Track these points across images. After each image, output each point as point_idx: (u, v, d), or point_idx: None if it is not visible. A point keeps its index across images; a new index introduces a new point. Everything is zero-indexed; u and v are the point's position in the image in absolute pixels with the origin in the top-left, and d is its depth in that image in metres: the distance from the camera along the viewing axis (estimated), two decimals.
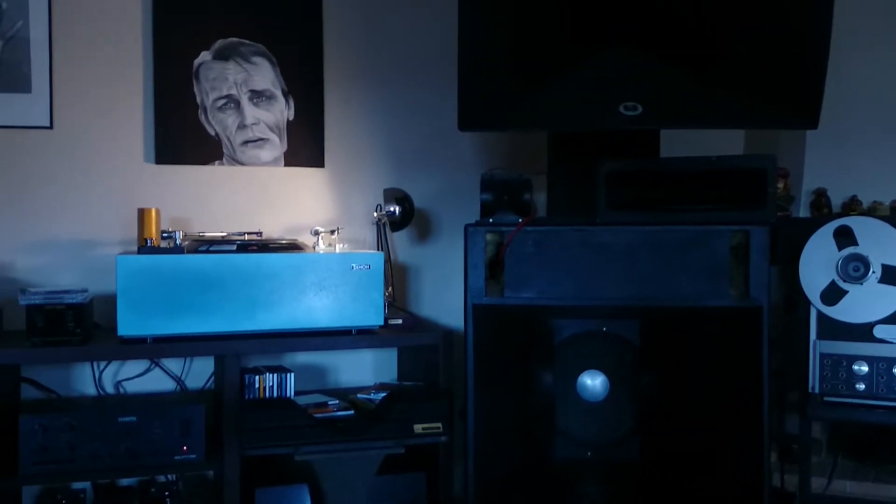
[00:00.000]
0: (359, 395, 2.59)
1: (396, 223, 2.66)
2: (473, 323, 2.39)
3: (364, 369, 2.99)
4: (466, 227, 2.40)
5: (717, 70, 2.30)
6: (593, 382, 2.48)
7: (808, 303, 2.40)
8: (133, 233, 2.65)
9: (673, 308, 2.37)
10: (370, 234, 2.95)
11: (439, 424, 2.30)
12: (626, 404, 2.49)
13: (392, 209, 2.65)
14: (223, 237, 2.52)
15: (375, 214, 2.74)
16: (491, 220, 2.40)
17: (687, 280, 2.36)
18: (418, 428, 2.29)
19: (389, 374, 2.99)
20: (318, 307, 2.41)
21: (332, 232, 2.58)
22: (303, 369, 2.80)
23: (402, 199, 2.66)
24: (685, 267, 2.37)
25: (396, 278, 2.91)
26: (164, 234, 2.43)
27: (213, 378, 2.76)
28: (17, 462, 2.19)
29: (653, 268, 2.38)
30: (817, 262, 2.39)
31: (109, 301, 2.60)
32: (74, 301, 2.24)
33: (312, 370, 2.89)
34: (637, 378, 2.48)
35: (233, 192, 2.84)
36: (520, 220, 2.37)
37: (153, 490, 2.47)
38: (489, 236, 2.40)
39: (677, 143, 2.64)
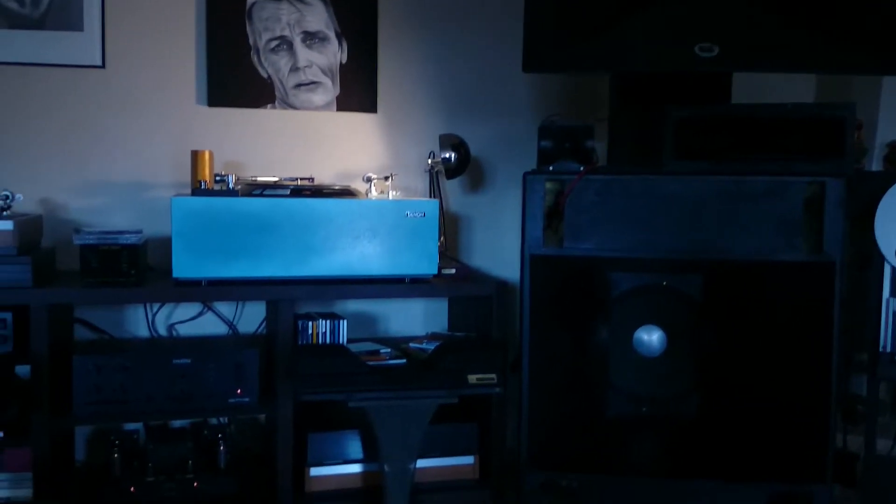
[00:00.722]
0: (411, 345, 2.56)
1: (451, 170, 2.59)
2: (530, 274, 2.32)
3: (414, 319, 2.95)
4: (525, 175, 2.32)
5: (796, 9, 2.17)
6: (650, 337, 2.41)
7: (881, 259, 2.29)
8: (185, 176, 2.62)
9: (740, 262, 2.28)
10: (422, 183, 2.89)
11: (493, 375, 2.25)
12: (685, 361, 2.42)
13: (447, 155, 2.58)
14: (275, 182, 2.47)
15: (429, 161, 2.67)
16: (551, 168, 2.32)
17: (756, 233, 2.27)
18: (472, 378, 2.24)
19: (440, 324, 2.95)
20: (371, 255, 2.37)
21: (386, 178, 2.52)
22: (352, 317, 2.76)
23: (457, 145, 2.58)
24: (755, 219, 2.28)
25: (448, 228, 2.85)
26: (217, 178, 2.40)
27: (265, 323, 2.75)
28: (71, 402, 2.20)
29: (720, 220, 2.29)
30: (894, 218, 2.27)
31: (162, 244, 2.59)
32: (129, 242, 2.22)
33: (362, 318, 2.86)
34: (697, 334, 2.41)
35: (284, 136, 2.79)
36: (581, 168, 2.29)
37: (206, 432, 2.47)
38: (549, 185, 2.33)
39: (743, 91, 2.51)
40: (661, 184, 2.30)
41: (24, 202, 2.38)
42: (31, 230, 2.28)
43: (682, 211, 2.29)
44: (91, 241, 2.20)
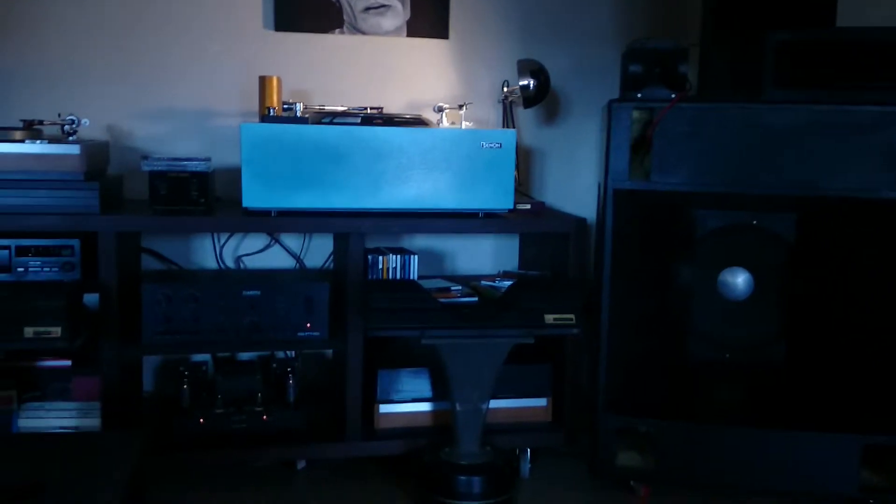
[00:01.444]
0: (482, 283, 2.46)
1: (530, 99, 2.45)
2: (613, 209, 2.19)
3: (483, 256, 2.86)
4: (611, 102, 2.17)
5: None
6: (735, 280, 2.27)
7: None
8: (252, 104, 2.54)
9: (840, 199, 2.12)
10: (494, 114, 2.76)
11: (571, 316, 2.14)
12: (773, 305, 2.28)
13: (526, 83, 2.44)
14: (344, 111, 2.37)
15: (505, 90, 2.53)
16: (640, 95, 2.16)
17: (860, 168, 2.10)
18: (549, 318, 2.14)
19: (509, 262, 2.85)
20: (443, 187, 2.26)
21: (461, 107, 2.40)
22: (419, 254, 2.67)
23: (537, 71, 2.43)
24: (859, 153, 2.11)
25: (520, 162, 2.72)
26: (285, 106, 2.30)
27: (332, 257, 2.69)
28: (140, 332, 2.17)
29: (821, 154, 2.12)
30: None
31: (228, 175, 2.53)
32: (198, 169, 2.15)
33: (429, 255, 2.77)
34: (787, 277, 2.26)
35: (352, 64, 2.68)
36: (673, 96, 2.13)
37: (275, 366, 2.43)
38: (636, 113, 2.18)
39: (849, 13, 2.30)
40: (759, 114, 2.13)
41: (90, 128, 2.33)
42: (97, 156, 2.23)
43: (779, 144, 2.13)
44: (160, 168, 2.14)
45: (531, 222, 2.39)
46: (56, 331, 1.87)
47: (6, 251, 2.10)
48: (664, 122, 2.13)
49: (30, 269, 2.11)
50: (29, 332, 1.87)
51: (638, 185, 2.18)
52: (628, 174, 2.18)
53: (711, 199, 2.22)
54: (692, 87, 2.26)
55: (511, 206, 2.30)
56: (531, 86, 2.44)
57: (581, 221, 2.36)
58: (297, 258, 2.69)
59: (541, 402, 2.42)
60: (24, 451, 1.51)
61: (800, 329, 2.27)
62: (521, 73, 2.44)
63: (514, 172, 2.30)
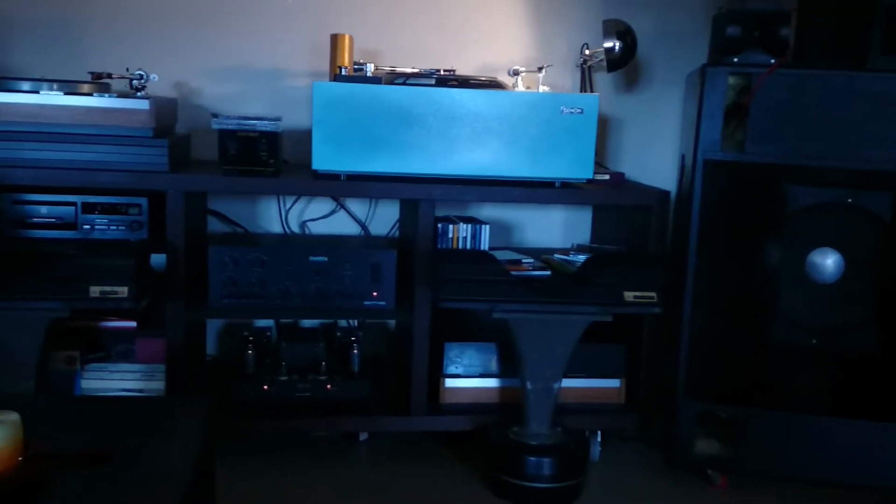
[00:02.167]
0: (555, 256, 2.36)
1: (614, 62, 2.31)
2: (702, 181, 2.06)
3: (553, 229, 2.75)
4: (705, 66, 2.04)
5: None
6: (825, 262, 2.13)
7: None
8: (320, 65, 2.46)
9: None
10: (570, 79, 2.63)
11: (653, 294, 2.03)
12: (864, 288, 2.14)
13: (611, 44, 2.30)
14: (415, 72, 2.27)
15: (587, 52, 2.40)
16: (736, 60, 2.02)
17: None
18: (629, 296, 2.03)
19: (580, 236, 2.74)
20: (519, 154, 2.15)
21: (540, 69, 2.28)
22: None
23: (623, 32, 2.30)
24: None
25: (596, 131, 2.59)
26: (355, 66, 2.21)
27: (397, 225, 2.61)
28: (206, 294, 2.12)
29: None
30: None
31: (296, 137, 2.46)
32: (268, 129, 2.08)
33: (497, 225, 2.67)
34: (881, 260, 2.11)
35: (424, 23, 2.57)
36: (772, 61, 1.98)
37: (339, 334, 2.37)
38: (732, 79, 2.04)
39: None
40: (865, 83, 1.97)
41: (158, 85, 2.27)
42: (166, 113, 2.17)
43: (884, 115, 1.97)
44: (230, 127, 2.07)
45: (610, 193, 2.27)
46: (123, 290, 1.82)
47: (72, 208, 2.07)
48: (761, 90, 1.98)
49: (96, 226, 2.07)
50: (95, 290, 1.82)
51: (731, 157, 2.04)
52: (720, 144, 2.04)
53: (805, 174, 2.08)
54: (791, 53, 2.11)
55: (590, 176, 2.19)
56: (616, 48, 2.31)
57: (664, 194, 2.23)
58: (363, 225, 2.62)
59: (614, 383, 2.32)
60: (92, 416, 1.47)
61: (892, 314, 2.12)
62: (607, 33, 2.30)
63: (595, 140, 2.18)
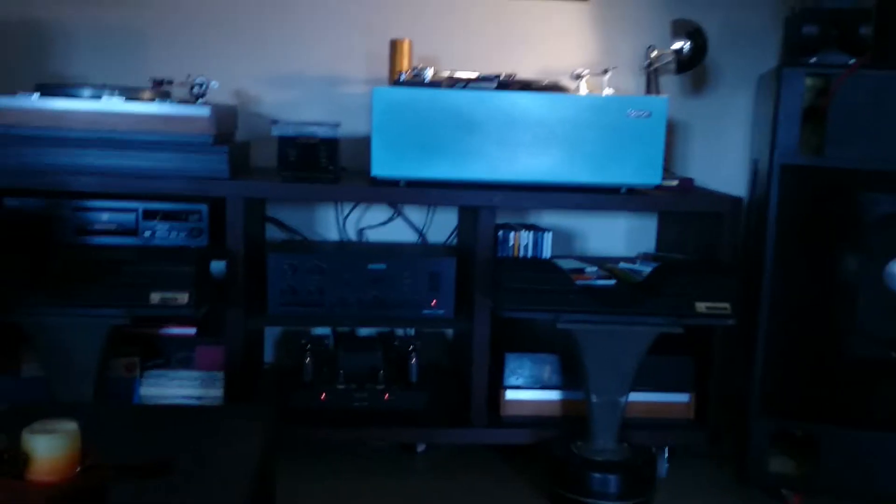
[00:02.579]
0: (620, 265, 2.28)
1: (684, 63, 2.23)
2: (779, 187, 1.97)
3: (615, 237, 2.67)
4: (781, 68, 1.94)
5: None
6: None
7: None
8: (378, 71, 2.44)
9: None
10: (634, 83, 2.55)
11: (727, 305, 1.94)
12: None
13: (680, 45, 2.22)
14: (475, 77, 2.22)
15: (654, 53, 2.32)
16: (814, 60, 1.92)
17: None
18: (701, 306, 1.94)
19: (644, 244, 2.65)
20: (583, 159, 2.08)
21: (605, 72, 2.21)
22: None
23: (693, 32, 2.22)
24: None
25: None
26: (414, 71, 2.17)
27: (455, 232, 2.56)
28: (265, 302, 2.10)
29: None
30: None
31: (353, 144, 2.43)
32: (327, 135, 2.05)
33: (557, 233, 2.59)
34: None
35: (483, 28, 2.53)
36: (852, 62, 1.88)
37: (396, 343, 2.33)
38: (809, 80, 1.94)
39: None
40: None
41: (218, 93, 2.26)
42: (226, 120, 2.16)
43: None
44: (290, 133, 2.05)
45: (679, 200, 2.19)
46: (183, 297, 1.81)
47: (133, 214, 2.07)
48: (840, 91, 1.88)
49: (157, 233, 2.07)
50: (156, 297, 1.81)
51: (809, 162, 1.94)
52: (797, 149, 1.94)
53: (886, 180, 1.96)
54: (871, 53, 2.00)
55: (658, 182, 2.11)
56: (686, 49, 2.22)
57: (736, 201, 2.14)
58: (420, 232, 2.58)
59: (682, 397, 2.23)
60: (151, 424, 1.45)
61: None
62: (676, 34, 2.22)
63: (664, 144, 2.10)
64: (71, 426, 1.21)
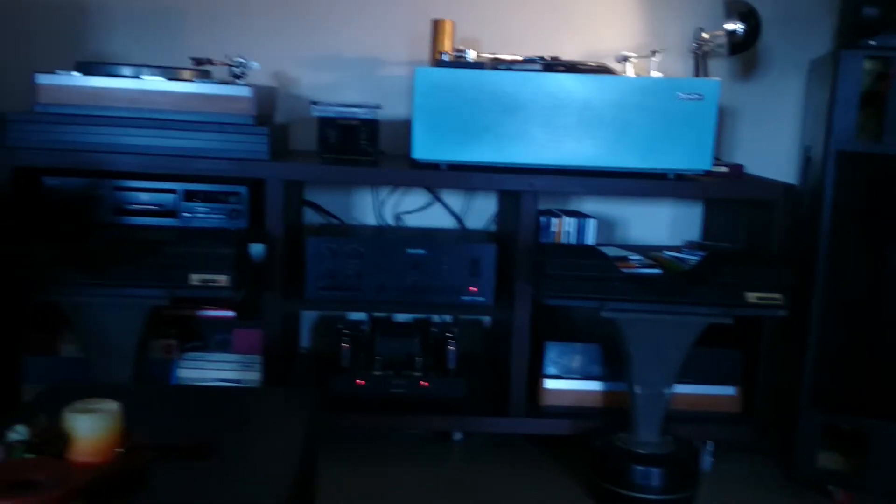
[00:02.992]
0: (665, 253, 2.22)
1: (737, 45, 2.16)
2: (835, 174, 1.90)
3: (659, 225, 2.60)
4: (839, 50, 1.87)
5: None
6: None
7: None
8: (419, 54, 2.39)
9: None
10: (682, 66, 2.48)
11: (779, 295, 1.87)
12: None
13: (734, 26, 2.15)
14: (518, 59, 2.17)
15: (705, 35, 2.25)
16: (874, 43, 1.84)
17: None
18: (751, 297, 1.88)
19: (689, 232, 2.58)
20: (630, 143, 2.03)
21: (654, 53, 2.15)
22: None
23: (747, 14, 2.14)
24: None
25: None
26: (456, 53, 2.13)
27: (495, 218, 2.51)
28: (303, 286, 2.07)
29: None
30: None
31: (392, 126, 2.40)
32: (368, 117, 2.02)
33: (599, 220, 2.53)
34: None
35: (525, 8, 2.47)
36: None
37: (434, 330, 2.29)
38: (867, 64, 1.86)
39: None
40: None
41: (257, 74, 2.23)
42: (266, 101, 2.14)
43: None
44: (330, 115, 2.02)
45: (729, 187, 2.12)
46: (223, 279, 1.79)
47: (173, 195, 2.05)
48: None
49: (196, 214, 2.05)
50: (195, 279, 1.79)
51: (866, 148, 1.87)
52: (855, 134, 1.87)
53: None
54: None
55: (708, 167, 2.04)
56: (739, 31, 2.15)
57: (789, 188, 2.07)
58: (458, 218, 2.54)
59: (728, 390, 2.16)
60: (193, 405, 1.43)
61: None
62: (729, 14, 2.15)
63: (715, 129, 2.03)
64: (112, 406, 1.19)
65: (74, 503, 0.94)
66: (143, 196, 2.05)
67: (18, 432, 1.19)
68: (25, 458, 1.13)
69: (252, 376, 2.09)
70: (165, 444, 1.22)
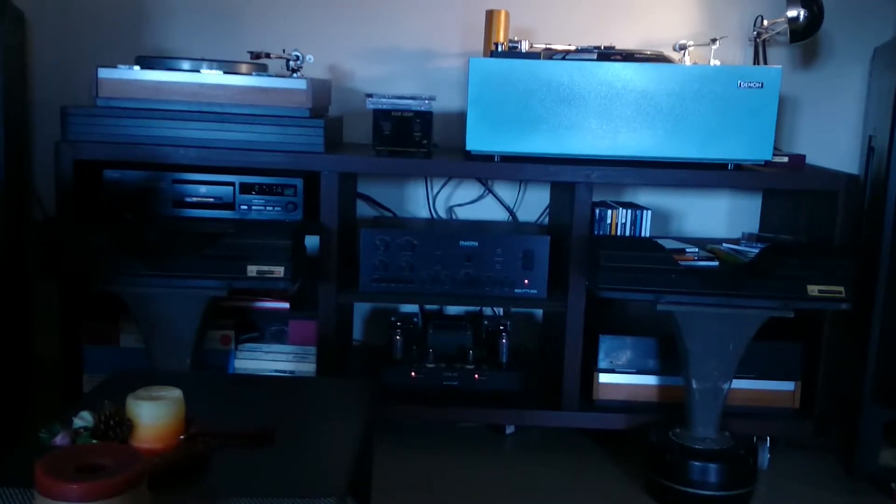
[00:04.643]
0: (723, 246, 2.18)
1: (798, 32, 2.10)
2: None
3: (716, 217, 2.55)
4: None
5: None
6: None
7: None
8: (472, 45, 2.38)
9: None
10: (740, 55, 2.43)
11: (841, 288, 1.82)
12: None
13: (795, 13, 2.09)
14: (573, 49, 2.14)
15: (765, 23, 2.20)
16: None
17: None
18: (813, 290, 1.83)
19: (747, 225, 2.53)
20: (688, 133, 1.99)
21: (713, 41, 2.10)
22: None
23: (809, 0, 2.09)
24: None
25: None
26: (510, 44, 2.11)
27: (547, 211, 2.50)
28: (357, 277, 2.08)
29: None
30: None
31: (445, 119, 2.39)
32: (422, 109, 2.02)
33: (654, 213, 2.50)
34: None
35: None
36: None
37: (486, 323, 2.28)
38: None
39: None
40: None
41: (312, 67, 2.25)
42: (321, 94, 2.15)
43: None
44: (384, 107, 2.02)
45: (790, 177, 2.07)
46: (279, 270, 1.81)
47: (230, 188, 2.08)
48: None
49: (253, 206, 2.07)
50: (252, 270, 1.81)
51: None
52: None
53: None
54: None
55: (769, 157, 2.00)
56: (801, 17, 2.10)
57: (853, 179, 2.01)
58: (511, 210, 2.52)
59: (787, 385, 2.12)
60: (253, 394, 1.45)
61: None
62: (791, 1, 2.10)
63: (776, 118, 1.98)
64: (175, 393, 1.21)
65: (139, 488, 0.95)
66: (202, 189, 2.08)
67: (83, 419, 1.22)
68: (91, 443, 1.15)
69: (307, 367, 2.11)
70: (227, 432, 1.23)
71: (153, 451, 1.15)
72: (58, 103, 2.05)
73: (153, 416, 1.19)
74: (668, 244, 2.19)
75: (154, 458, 1.12)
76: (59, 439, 1.18)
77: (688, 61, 2.15)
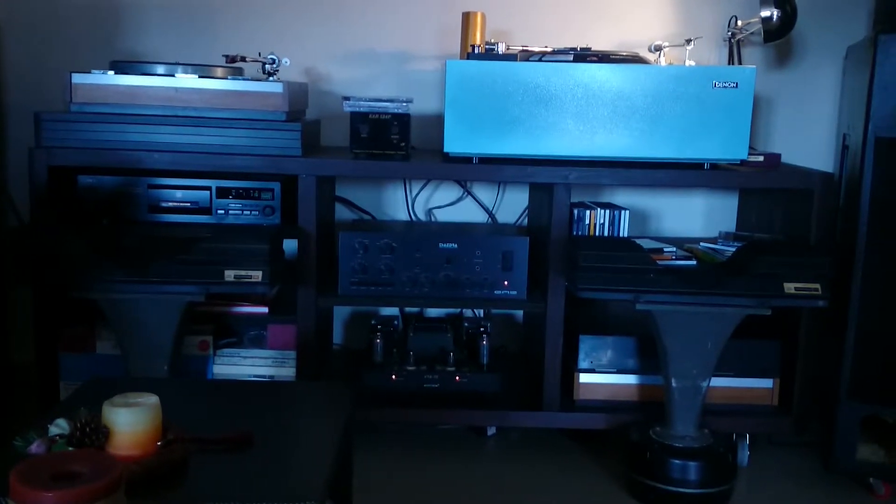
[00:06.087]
0: (701, 245, 2.19)
1: (772, 32, 2.13)
2: (874, 162, 1.86)
3: (693, 217, 2.57)
4: (877, 35, 1.83)
5: None
6: None
7: None
8: (449, 47, 2.39)
9: None
10: (715, 56, 2.45)
11: (817, 286, 1.84)
12: None
13: (769, 13, 2.11)
14: (549, 50, 2.15)
15: (739, 23, 2.22)
16: None
17: None
18: (790, 287, 1.85)
19: (724, 223, 2.55)
20: (664, 133, 2.01)
21: (688, 42, 2.12)
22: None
23: (782, 0, 2.11)
24: None
25: None
26: (486, 45, 2.12)
27: (526, 212, 2.50)
28: (336, 281, 2.08)
29: None
30: None
31: (423, 121, 2.39)
32: (399, 111, 2.01)
33: (632, 213, 2.51)
34: None
35: (554, 1, 2.45)
36: None
37: (466, 325, 2.28)
38: None
39: None
40: None
41: (288, 70, 2.24)
42: (298, 97, 2.14)
43: None
44: (362, 109, 2.02)
45: (766, 176, 2.09)
46: (257, 275, 1.80)
47: (207, 192, 2.06)
48: None
49: (230, 211, 2.06)
50: (230, 275, 1.80)
51: None
52: (894, 121, 1.83)
53: None
54: None
55: (744, 157, 2.02)
56: (774, 17, 2.12)
57: (827, 177, 2.03)
58: (490, 212, 2.53)
59: (766, 383, 2.13)
60: (232, 399, 1.44)
61: None
62: (764, 1, 2.12)
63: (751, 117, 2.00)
64: (152, 399, 1.20)
65: (116, 495, 0.94)
66: (178, 193, 2.07)
67: (59, 426, 1.21)
68: (67, 451, 1.14)
69: (286, 372, 2.10)
70: (205, 437, 1.22)
71: (130, 458, 1.14)
72: (31, 109, 2.03)
73: (129, 422, 1.18)
74: (646, 244, 2.20)
75: (131, 465, 1.11)
76: (35, 447, 1.17)
77: (663, 62, 2.16)
